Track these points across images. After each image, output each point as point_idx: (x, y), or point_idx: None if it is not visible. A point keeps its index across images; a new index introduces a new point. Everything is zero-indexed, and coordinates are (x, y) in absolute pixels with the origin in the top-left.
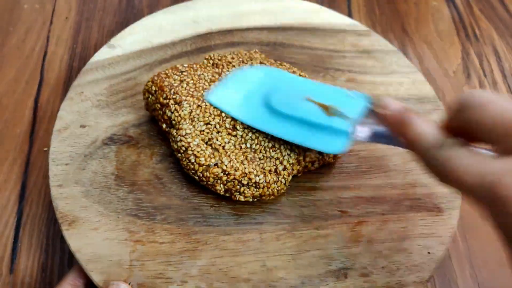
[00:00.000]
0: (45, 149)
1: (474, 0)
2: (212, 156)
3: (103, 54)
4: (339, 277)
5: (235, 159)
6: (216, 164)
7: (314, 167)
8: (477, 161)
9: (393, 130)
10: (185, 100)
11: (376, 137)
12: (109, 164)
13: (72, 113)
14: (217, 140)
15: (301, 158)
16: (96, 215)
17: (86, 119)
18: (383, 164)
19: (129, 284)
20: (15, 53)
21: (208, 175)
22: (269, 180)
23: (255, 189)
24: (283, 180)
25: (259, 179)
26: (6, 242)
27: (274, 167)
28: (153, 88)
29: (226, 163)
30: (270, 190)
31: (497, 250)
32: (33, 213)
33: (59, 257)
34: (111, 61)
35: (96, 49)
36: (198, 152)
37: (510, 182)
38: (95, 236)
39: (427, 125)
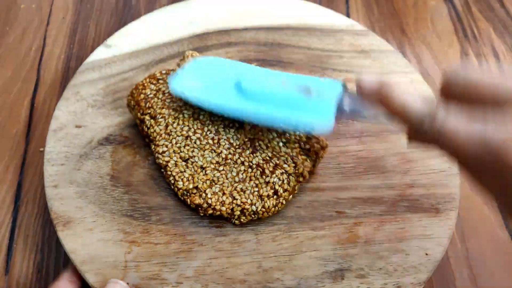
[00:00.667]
0: (41, 149)
1: (473, 0)
2: (191, 179)
3: (99, 54)
4: (335, 278)
5: (221, 190)
6: (196, 192)
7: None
8: (478, 128)
9: (376, 105)
10: (159, 113)
11: (359, 114)
12: (104, 164)
13: (68, 113)
14: (198, 159)
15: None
16: (91, 215)
17: (82, 119)
18: (380, 164)
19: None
20: (12, 53)
21: (189, 202)
22: (269, 205)
23: (253, 215)
24: (283, 201)
25: (256, 207)
26: (1, 243)
27: (273, 190)
28: (132, 102)
29: (210, 196)
30: (270, 213)
31: (496, 251)
32: (28, 213)
33: (54, 258)
34: (107, 61)
35: (93, 49)
36: (176, 173)
37: None
38: (90, 237)
39: (412, 95)
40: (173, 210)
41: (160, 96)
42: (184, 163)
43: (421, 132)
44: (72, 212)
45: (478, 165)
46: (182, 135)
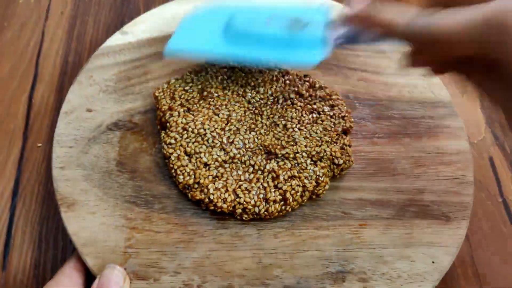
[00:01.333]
0: (39, 144)
1: None
2: (192, 174)
3: (115, 40)
4: (336, 280)
5: (224, 187)
6: (198, 187)
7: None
8: (467, 11)
9: (365, 27)
10: (191, 109)
11: (350, 39)
12: (111, 149)
13: (80, 96)
14: (204, 155)
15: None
16: (95, 199)
17: (93, 104)
18: (391, 167)
19: (124, 269)
20: (10, 49)
21: (190, 196)
22: (273, 210)
23: (255, 215)
24: (289, 209)
25: (259, 209)
26: None
27: (281, 197)
28: (168, 91)
29: (212, 192)
30: (272, 216)
31: (499, 247)
32: (26, 209)
33: (52, 254)
34: (122, 47)
35: (91, 44)
36: (177, 167)
37: None
38: (92, 220)
39: (396, 7)
40: (176, 199)
41: (195, 93)
42: (187, 157)
43: (414, 35)
44: (77, 194)
45: (476, 46)
46: (198, 132)
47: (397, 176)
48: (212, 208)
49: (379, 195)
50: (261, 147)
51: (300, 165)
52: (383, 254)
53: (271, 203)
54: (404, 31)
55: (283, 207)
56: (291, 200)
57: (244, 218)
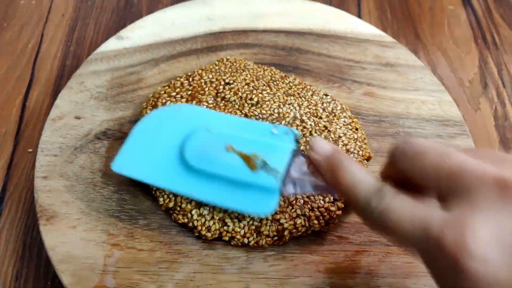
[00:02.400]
0: (30, 150)
1: (494, 5)
2: (172, 198)
3: (110, 45)
4: None
5: (210, 214)
6: (180, 211)
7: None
8: (420, 211)
9: (325, 178)
10: None
11: (306, 189)
12: (98, 160)
13: (69, 102)
14: None
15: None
16: (76, 212)
17: (82, 111)
18: None
19: None
20: (7, 50)
21: (172, 218)
22: (263, 243)
23: (244, 245)
24: (281, 243)
25: (249, 241)
26: None
27: (276, 232)
28: (150, 103)
29: (195, 218)
30: (262, 247)
31: None
32: (11, 217)
33: (34, 265)
34: (117, 52)
35: (91, 48)
36: (156, 188)
37: (456, 238)
38: (72, 235)
39: (361, 172)
40: (163, 215)
41: (183, 101)
42: None
43: (366, 213)
44: (58, 206)
45: (417, 249)
46: None
47: None
48: (196, 234)
49: None
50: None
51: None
52: (381, 284)
53: (263, 236)
54: (360, 205)
55: (276, 242)
56: (287, 234)
57: (232, 243)
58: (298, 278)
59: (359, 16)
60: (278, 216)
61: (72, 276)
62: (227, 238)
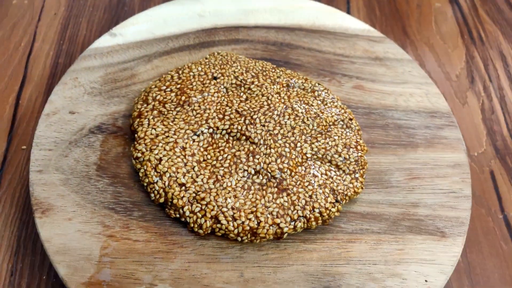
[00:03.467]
0: (23, 147)
1: (480, 2)
2: (163, 194)
3: (103, 41)
4: None
5: (202, 211)
6: (172, 206)
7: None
8: None
9: None
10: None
11: None
12: (93, 153)
13: (63, 98)
14: (179, 174)
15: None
16: (72, 205)
17: (76, 106)
18: (384, 179)
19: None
20: (0, 49)
21: (166, 212)
22: (256, 243)
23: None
24: (276, 241)
25: (242, 240)
26: None
27: (275, 234)
28: (142, 96)
29: (188, 214)
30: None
31: (499, 266)
32: (6, 213)
33: (29, 260)
34: (110, 49)
35: (83, 46)
36: (147, 183)
37: None
38: (67, 227)
39: None
40: (157, 207)
41: (173, 95)
42: (156, 174)
43: None
44: (53, 199)
45: None
46: (170, 149)
47: (390, 188)
48: (190, 229)
49: (371, 208)
50: (264, 173)
51: (312, 196)
52: (373, 270)
53: (259, 237)
54: None
55: (272, 241)
56: (285, 236)
57: (225, 236)
58: (291, 266)
59: (348, 13)
60: (278, 221)
61: (68, 267)
62: (220, 234)
